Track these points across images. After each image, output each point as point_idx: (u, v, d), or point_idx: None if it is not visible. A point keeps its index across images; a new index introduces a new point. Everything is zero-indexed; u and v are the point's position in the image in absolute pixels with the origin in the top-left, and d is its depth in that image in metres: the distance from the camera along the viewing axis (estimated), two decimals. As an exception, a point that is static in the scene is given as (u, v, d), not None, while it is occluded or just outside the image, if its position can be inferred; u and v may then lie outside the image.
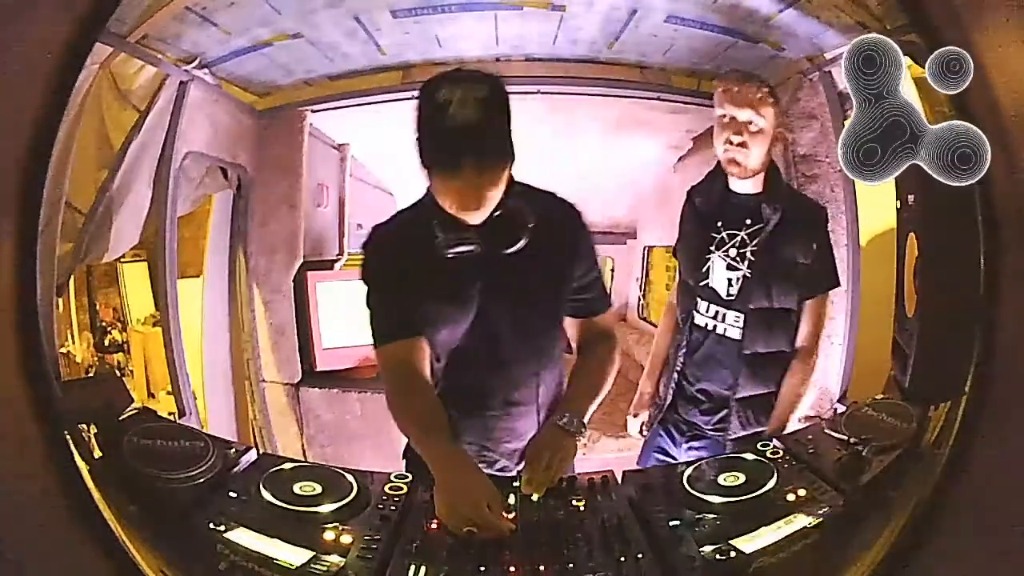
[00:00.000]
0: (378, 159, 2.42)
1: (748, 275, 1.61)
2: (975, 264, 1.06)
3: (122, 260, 1.78)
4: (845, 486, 1.21)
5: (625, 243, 2.65)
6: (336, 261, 2.34)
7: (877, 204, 1.64)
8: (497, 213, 1.21)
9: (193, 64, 1.80)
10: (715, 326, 1.67)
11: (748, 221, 1.62)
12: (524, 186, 1.28)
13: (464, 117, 1.09)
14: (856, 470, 1.23)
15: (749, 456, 1.34)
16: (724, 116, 1.59)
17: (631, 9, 1.81)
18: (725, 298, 1.64)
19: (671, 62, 2.00)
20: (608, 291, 1.44)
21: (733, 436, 1.68)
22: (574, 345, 1.44)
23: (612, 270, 2.70)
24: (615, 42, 1.93)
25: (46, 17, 0.99)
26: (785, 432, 1.62)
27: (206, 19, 1.70)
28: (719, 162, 1.64)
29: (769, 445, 1.38)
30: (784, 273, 1.61)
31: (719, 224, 1.65)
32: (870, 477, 1.21)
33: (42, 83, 0.98)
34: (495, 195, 1.19)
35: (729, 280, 1.64)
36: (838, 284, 1.68)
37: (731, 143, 1.57)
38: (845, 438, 1.30)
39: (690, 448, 1.74)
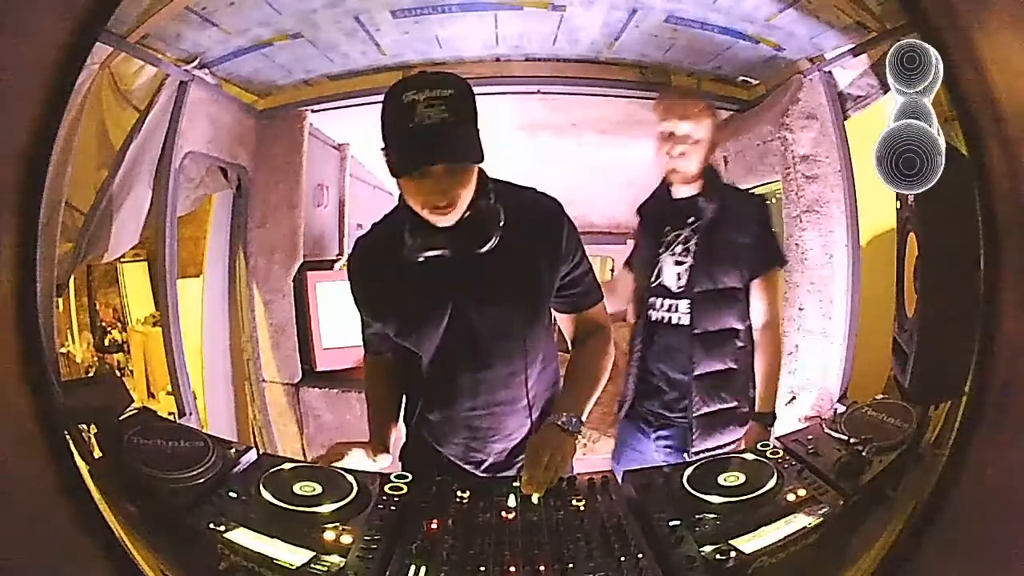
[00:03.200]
0: (378, 159, 2.42)
1: (693, 264, 1.72)
2: (975, 264, 1.05)
3: (122, 260, 1.79)
4: (845, 486, 1.21)
5: (625, 243, 2.64)
6: (336, 261, 2.34)
7: (877, 204, 1.64)
8: (467, 214, 1.20)
9: (193, 64, 1.80)
10: (669, 318, 1.77)
11: (690, 219, 1.73)
12: (502, 183, 1.28)
13: (430, 117, 1.08)
14: (856, 470, 1.23)
15: (749, 456, 1.34)
16: (665, 131, 1.70)
17: (631, 9, 1.81)
18: (676, 291, 1.75)
19: (671, 62, 2.01)
20: (598, 283, 1.42)
21: (698, 413, 1.75)
22: (568, 340, 1.44)
23: (612, 270, 2.70)
24: (615, 42, 1.94)
25: (46, 17, 0.99)
26: (782, 433, 1.64)
27: (206, 19, 1.70)
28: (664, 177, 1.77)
29: (769, 445, 1.38)
30: (726, 256, 1.72)
31: (666, 229, 1.77)
32: (870, 477, 1.21)
33: (42, 83, 0.98)
34: (465, 196, 1.18)
35: (678, 274, 1.74)
36: (783, 263, 1.82)
37: (670, 155, 1.69)
38: (845, 438, 1.30)
39: (658, 437, 1.81)
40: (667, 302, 1.77)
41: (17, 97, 0.98)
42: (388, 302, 1.34)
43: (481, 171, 1.23)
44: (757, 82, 2.05)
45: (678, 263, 1.73)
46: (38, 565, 0.99)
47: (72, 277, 1.62)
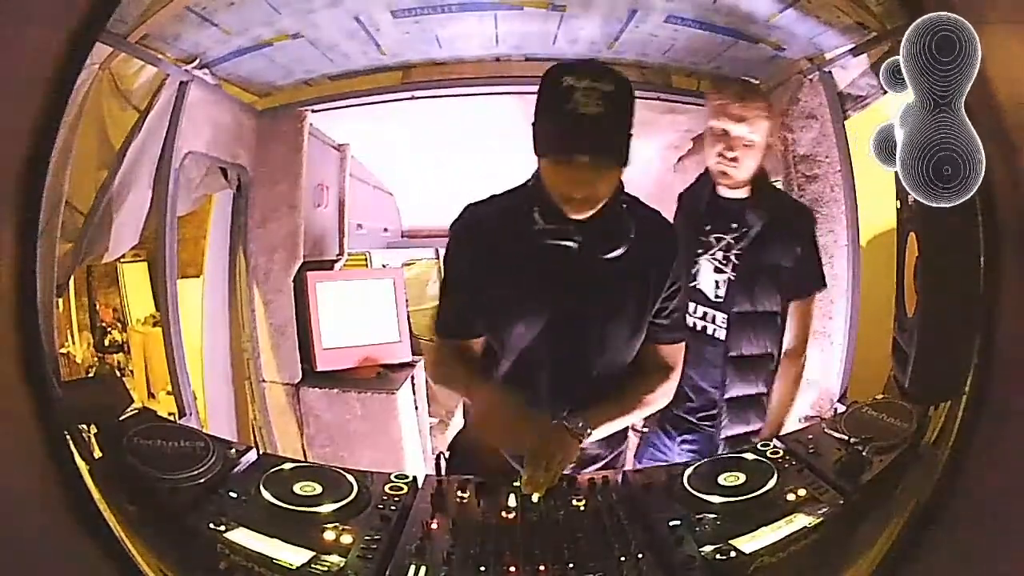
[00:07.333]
0: (378, 159, 2.42)
1: (732, 278, 1.65)
2: (975, 264, 1.05)
3: (122, 260, 1.78)
4: (845, 486, 1.21)
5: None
6: (336, 261, 2.34)
7: (877, 204, 1.64)
8: (600, 215, 1.19)
9: (193, 64, 1.80)
10: (704, 326, 1.70)
11: (734, 225, 1.65)
12: (631, 198, 1.27)
13: (587, 107, 1.07)
14: (856, 470, 1.23)
15: (749, 456, 1.34)
16: (718, 129, 1.61)
17: (631, 9, 1.81)
18: (713, 300, 1.68)
19: (671, 62, 2.00)
20: (685, 324, 1.38)
21: (725, 435, 1.71)
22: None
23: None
24: (615, 42, 1.93)
25: (46, 17, 0.99)
26: (782, 433, 1.64)
27: (206, 19, 1.70)
28: (707, 168, 1.68)
29: (769, 445, 1.38)
30: (767, 277, 1.65)
31: (707, 228, 1.68)
32: (870, 477, 1.21)
33: (42, 83, 0.98)
34: (602, 194, 1.17)
35: (716, 282, 1.67)
36: (823, 287, 1.72)
37: (724, 157, 1.60)
38: (845, 438, 1.30)
39: (683, 442, 1.76)
40: (702, 309, 1.69)
41: (17, 97, 0.98)
42: (495, 279, 1.27)
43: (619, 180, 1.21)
44: (757, 82, 2.05)
45: (718, 271, 1.66)
46: (38, 564, 0.99)
47: (72, 277, 1.62)
